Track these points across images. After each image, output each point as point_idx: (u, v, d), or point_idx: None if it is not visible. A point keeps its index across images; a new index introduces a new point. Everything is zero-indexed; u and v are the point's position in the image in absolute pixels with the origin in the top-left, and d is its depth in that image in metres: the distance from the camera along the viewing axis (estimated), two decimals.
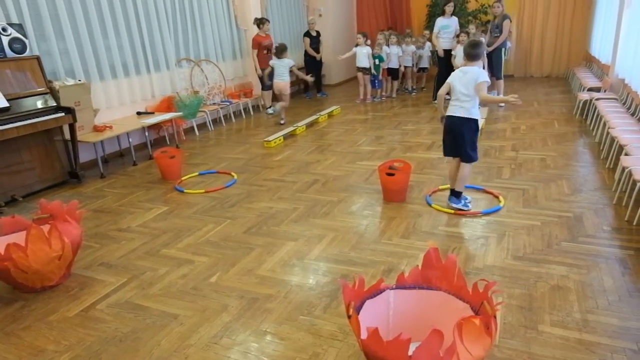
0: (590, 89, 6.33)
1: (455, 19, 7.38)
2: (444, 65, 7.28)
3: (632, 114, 4.85)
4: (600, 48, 7.36)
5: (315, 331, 2.11)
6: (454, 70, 3.71)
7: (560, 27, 9.12)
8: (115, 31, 5.17)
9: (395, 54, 7.77)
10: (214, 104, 6.61)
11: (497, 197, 3.57)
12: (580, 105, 6.01)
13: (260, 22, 6.78)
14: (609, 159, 4.12)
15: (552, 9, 8.99)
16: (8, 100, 3.73)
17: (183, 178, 4.35)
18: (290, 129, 5.91)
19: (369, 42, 7.64)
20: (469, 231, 3.08)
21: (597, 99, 5.48)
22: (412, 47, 8.16)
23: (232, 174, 4.40)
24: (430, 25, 8.89)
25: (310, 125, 6.27)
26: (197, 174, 4.50)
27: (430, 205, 3.48)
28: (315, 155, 4.92)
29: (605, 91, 5.95)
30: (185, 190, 4.05)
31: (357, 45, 7.62)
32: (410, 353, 1.46)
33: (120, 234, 3.26)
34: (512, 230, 3.03)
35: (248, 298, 2.40)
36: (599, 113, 5.01)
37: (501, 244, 2.86)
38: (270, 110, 6.55)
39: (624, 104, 5.29)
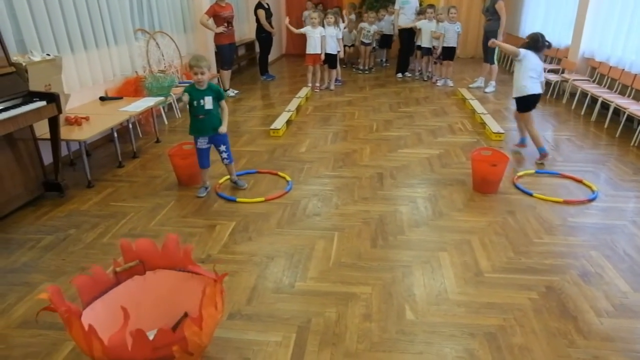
0: (550, 71, 7.06)
1: None
2: (405, 41, 7.78)
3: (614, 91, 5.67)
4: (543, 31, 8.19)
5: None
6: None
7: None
8: None
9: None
10: (181, 84, 5.67)
11: (580, 181, 3.77)
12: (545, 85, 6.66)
13: None
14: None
15: None
16: None
17: (220, 182, 3.79)
18: (287, 114, 5.55)
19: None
20: (597, 219, 3.18)
21: (574, 80, 6.20)
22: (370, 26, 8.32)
23: (280, 174, 3.94)
24: (368, 3, 9.54)
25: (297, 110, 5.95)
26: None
27: (531, 195, 3.51)
28: (344, 144, 4.77)
29: (572, 72, 6.60)
30: (237, 199, 3.50)
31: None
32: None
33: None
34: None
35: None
36: (584, 93, 5.85)
37: None
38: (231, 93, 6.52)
39: (594, 81, 6.12)
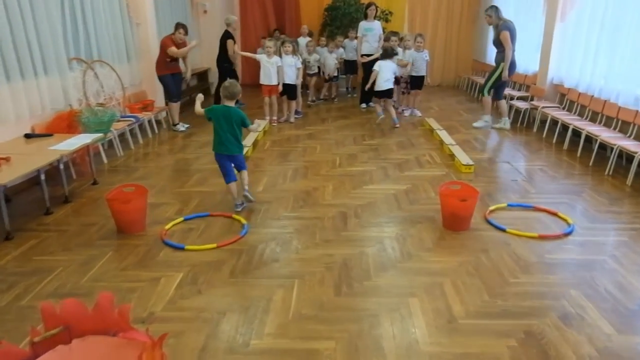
0: (519, 98, 7.50)
1: (378, 23, 8.15)
2: (369, 70, 7.81)
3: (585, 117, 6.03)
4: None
5: None
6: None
7: (447, 40, 10.89)
8: None
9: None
10: (123, 118, 5.82)
11: (555, 214, 3.88)
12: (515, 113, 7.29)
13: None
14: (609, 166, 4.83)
15: (440, 23, 10.78)
16: None
17: (167, 227, 3.69)
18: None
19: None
20: (575, 255, 3.28)
21: (544, 107, 6.55)
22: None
23: (235, 216, 3.90)
24: (329, 30, 9.96)
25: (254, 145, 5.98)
26: (181, 219, 3.83)
27: (504, 230, 3.59)
28: (304, 181, 4.80)
29: (541, 99, 7.03)
30: (186, 247, 3.39)
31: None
32: None
33: (157, 329, 2.25)
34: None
35: None
36: (554, 120, 6.24)
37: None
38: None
39: (564, 108, 6.58)
